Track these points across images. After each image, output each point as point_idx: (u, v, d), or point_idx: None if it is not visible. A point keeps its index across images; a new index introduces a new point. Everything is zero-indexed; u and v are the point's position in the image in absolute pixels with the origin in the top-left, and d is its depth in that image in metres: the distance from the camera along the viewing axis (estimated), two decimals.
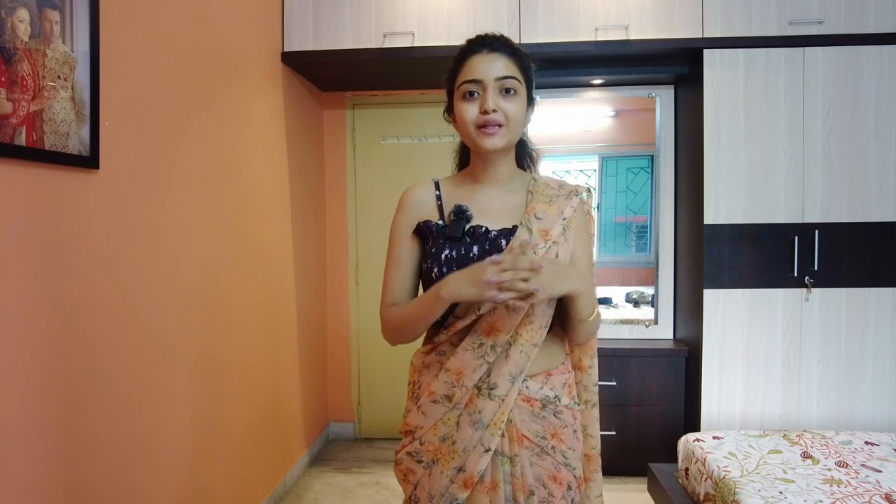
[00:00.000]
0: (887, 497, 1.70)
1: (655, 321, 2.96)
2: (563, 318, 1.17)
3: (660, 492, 2.22)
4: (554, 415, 1.12)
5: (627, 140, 3.16)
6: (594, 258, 1.37)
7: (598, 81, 2.89)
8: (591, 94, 3.00)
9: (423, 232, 1.16)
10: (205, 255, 2.01)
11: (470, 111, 1.10)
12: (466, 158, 1.24)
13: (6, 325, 1.22)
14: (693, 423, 2.61)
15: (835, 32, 2.44)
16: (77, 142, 1.39)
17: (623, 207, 3.15)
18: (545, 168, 3.20)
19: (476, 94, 1.09)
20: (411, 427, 1.15)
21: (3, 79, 1.19)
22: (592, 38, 2.54)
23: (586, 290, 1.09)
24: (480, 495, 1.09)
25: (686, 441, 2.22)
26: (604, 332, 2.98)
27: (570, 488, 1.13)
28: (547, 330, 1.12)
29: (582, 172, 3.20)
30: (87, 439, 1.44)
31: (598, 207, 3.17)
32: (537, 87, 3.32)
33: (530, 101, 1.16)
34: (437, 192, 1.20)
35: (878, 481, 1.80)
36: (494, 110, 1.08)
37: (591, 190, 1.24)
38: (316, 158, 3.27)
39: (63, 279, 1.37)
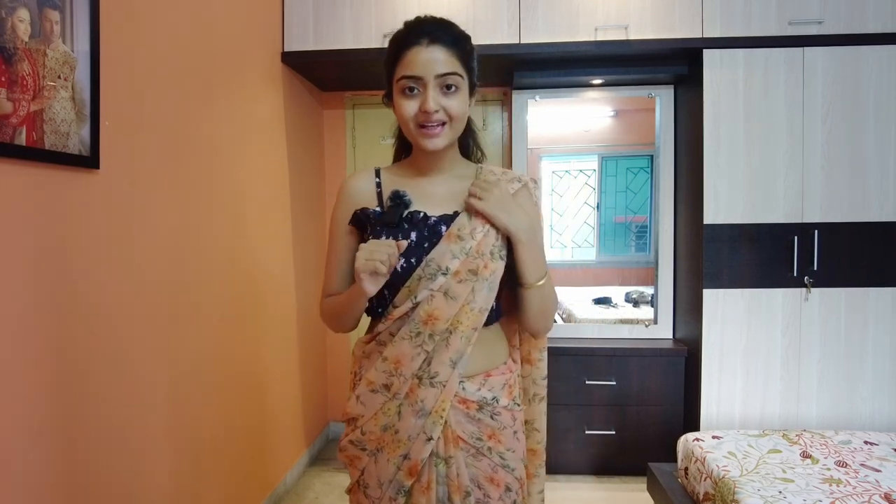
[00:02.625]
0: (886, 497, 1.70)
1: (655, 321, 2.96)
2: (514, 295, 1.14)
3: (659, 491, 2.23)
4: (491, 416, 1.10)
5: (627, 140, 3.16)
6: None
7: (597, 81, 2.89)
8: (591, 94, 3.00)
9: (361, 220, 1.13)
10: (205, 255, 2.01)
11: (410, 108, 1.05)
12: (406, 144, 1.21)
13: (6, 325, 1.22)
14: (692, 423, 2.61)
15: (834, 32, 2.44)
16: (77, 142, 1.39)
17: (623, 207, 3.15)
18: (546, 168, 3.22)
19: (416, 90, 1.05)
20: (352, 416, 1.13)
21: (3, 79, 1.19)
22: (592, 38, 2.54)
23: (529, 241, 1.06)
24: (418, 495, 1.08)
25: (685, 441, 2.22)
26: (603, 332, 2.98)
27: (508, 489, 1.11)
28: (487, 314, 1.08)
29: (582, 172, 3.21)
30: (87, 440, 1.44)
31: (597, 207, 3.17)
32: (537, 87, 3.29)
33: (472, 89, 1.11)
34: (378, 180, 1.17)
35: (877, 481, 1.81)
36: (436, 110, 1.04)
37: (536, 182, 1.21)
38: (316, 158, 3.28)
39: (63, 279, 1.37)
